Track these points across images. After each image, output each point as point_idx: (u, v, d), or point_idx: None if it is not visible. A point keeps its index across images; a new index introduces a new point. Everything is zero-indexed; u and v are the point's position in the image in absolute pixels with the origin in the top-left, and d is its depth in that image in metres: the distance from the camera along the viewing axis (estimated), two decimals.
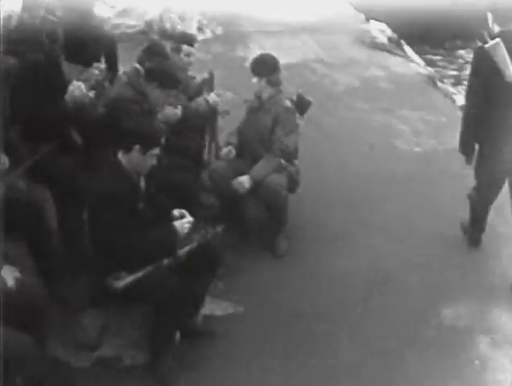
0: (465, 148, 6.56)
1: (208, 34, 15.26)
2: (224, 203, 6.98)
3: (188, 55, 7.37)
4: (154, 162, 5.26)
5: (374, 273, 6.57)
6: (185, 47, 7.29)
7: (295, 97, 7.03)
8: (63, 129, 5.91)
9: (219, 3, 18.84)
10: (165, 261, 5.14)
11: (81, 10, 7.54)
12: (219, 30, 15.52)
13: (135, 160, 5.14)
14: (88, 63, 5.98)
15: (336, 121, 10.14)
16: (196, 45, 13.70)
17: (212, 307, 6.06)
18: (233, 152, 6.91)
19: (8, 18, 8.57)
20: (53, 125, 5.75)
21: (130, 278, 5.01)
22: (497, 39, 5.99)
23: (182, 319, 5.41)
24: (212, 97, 7.19)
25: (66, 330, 5.50)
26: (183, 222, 5.27)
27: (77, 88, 5.79)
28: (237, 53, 12.81)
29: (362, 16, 16.28)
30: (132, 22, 12.33)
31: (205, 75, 7.60)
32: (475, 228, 6.93)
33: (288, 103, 6.92)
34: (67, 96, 5.80)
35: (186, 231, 5.23)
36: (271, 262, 6.77)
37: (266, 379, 5.37)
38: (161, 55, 6.86)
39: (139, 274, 5.02)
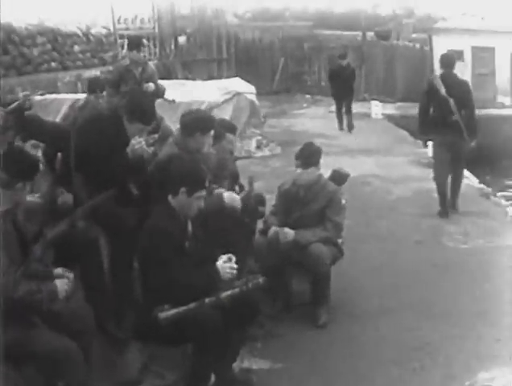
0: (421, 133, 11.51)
1: (267, 152, 15.85)
2: (268, 273, 7.02)
3: (230, 143, 7.61)
4: (201, 204, 5.53)
5: (413, 341, 6.66)
6: (228, 135, 7.51)
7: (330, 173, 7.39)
8: (121, 178, 6.24)
9: (280, 125, 19.70)
10: (207, 300, 5.27)
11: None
12: (277, 150, 16.12)
13: (182, 202, 5.42)
14: (146, 123, 6.37)
15: (386, 223, 10.51)
16: (256, 160, 14.53)
17: (249, 362, 6.23)
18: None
19: (77, 101, 9.30)
20: (113, 175, 6.10)
21: (173, 311, 5.17)
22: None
23: (219, 361, 5.53)
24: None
25: (109, 364, 5.67)
26: (225, 265, 5.44)
27: (138, 143, 6.17)
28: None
29: (420, 142, 16.75)
30: None
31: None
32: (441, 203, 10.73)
33: (333, 185, 7.18)
34: (128, 149, 6.17)
35: (227, 274, 5.40)
36: (311, 330, 6.88)
37: None
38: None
39: (182, 309, 5.18)
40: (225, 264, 5.44)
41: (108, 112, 6.74)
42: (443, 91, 10.29)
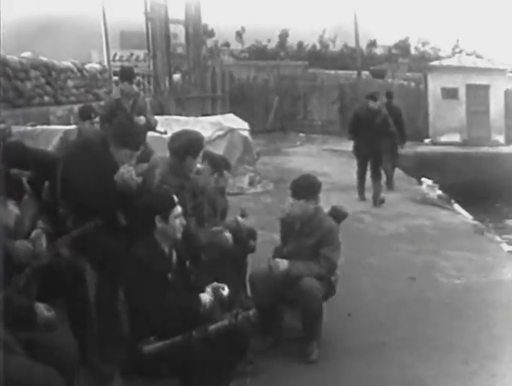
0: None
1: (259, 189, 15.81)
2: (261, 308, 6.88)
3: (226, 180, 7.64)
4: (183, 221, 5.53)
5: (405, 378, 6.51)
6: (226, 173, 7.53)
7: (329, 210, 7.26)
8: (108, 207, 6.11)
9: (273, 163, 19.63)
10: (194, 333, 5.14)
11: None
12: (270, 187, 16.08)
13: (164, 228, 5.41)
14: (134, 148, 6.27)
15: (378, 260, 10.34)
16: (248, 197, 14.50)
17: None
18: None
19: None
20: (100, 203, 5.96)
21: (158, 344, 5.06)
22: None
23: None
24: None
25: None
26: (206, 295, 5.39)
27: (127, 172, 6.06)
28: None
29: (414, 179, 16.77)
30: None
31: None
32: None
33: (331, 222, 7.03)
34: (116, 177, 6.05)
35: (208, 303, 5.36)
36: (301, 366, 6.71)
37: None
38: None
39: (168, 342, 5.06)
40: (205, 294, 5.41)
41: (95, 138, 6.63)
42: (385, 111, 14.60)
